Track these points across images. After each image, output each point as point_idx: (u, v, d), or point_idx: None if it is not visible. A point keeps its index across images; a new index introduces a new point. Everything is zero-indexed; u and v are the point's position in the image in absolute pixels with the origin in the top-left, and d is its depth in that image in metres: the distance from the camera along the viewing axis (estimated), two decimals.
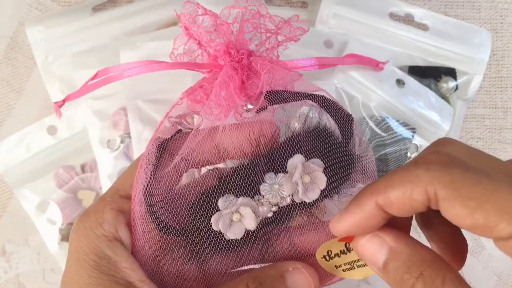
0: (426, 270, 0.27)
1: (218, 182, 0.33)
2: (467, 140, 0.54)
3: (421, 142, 0.50)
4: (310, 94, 0.34)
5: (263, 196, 0.32)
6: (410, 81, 0.49)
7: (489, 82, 0.54)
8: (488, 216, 0.25)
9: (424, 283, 0.27)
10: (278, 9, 0.54)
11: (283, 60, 0.35)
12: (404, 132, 0.49)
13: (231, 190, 0.32)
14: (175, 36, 0.39)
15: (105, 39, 0.51)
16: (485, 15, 0.54)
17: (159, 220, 0.32)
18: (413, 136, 0.49)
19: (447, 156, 0.28)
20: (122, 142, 0.49)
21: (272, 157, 0.33)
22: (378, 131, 0.48)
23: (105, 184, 0.48)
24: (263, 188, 0.32)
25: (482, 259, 0.55)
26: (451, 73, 0.52)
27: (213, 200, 0.32)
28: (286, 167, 0.32)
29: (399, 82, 0.48)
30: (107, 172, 0.49)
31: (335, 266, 0.34)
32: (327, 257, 0.33)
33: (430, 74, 0.52)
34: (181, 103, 0.33)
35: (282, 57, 0.35)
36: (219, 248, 0.32)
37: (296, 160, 0.32)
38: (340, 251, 0.33)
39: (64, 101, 0.36)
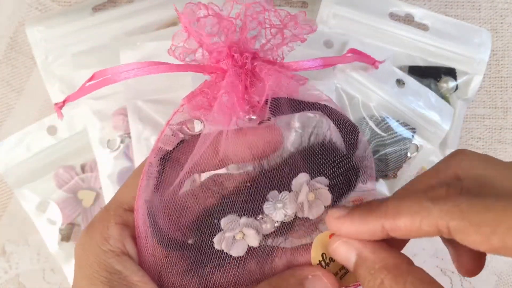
0: (387, 277, 0.28)
1: (221, 201, 0.32)
2: (467, 140, 0.54)
3: (421, 142, 0.49)
4: (316, 103, 0.33)
5: (266, 215, 0.32)
6: (410, 81, 0.49)
7: (489, 82, 0.54)
8: (504, 239, 0.26)
9: (390, 280, 0.28)
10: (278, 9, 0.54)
11: (288, 62, 0.34)
12: (404, 132, 0.49)
13: (233, 210, 0.31)
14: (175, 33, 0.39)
15: (105, 39, 0.51)
16: (485, 15, 0.54)
17: (162, 235, 0.32)
18: (413, 136, 0.49)
19: (454, 185, 0.29)
20: (122, 142, 0.49)
21: (275, 174, 0.32)
22: (378, 131, 0.48)
23: (105, 184, 0.48)
24: (267, 207, 0.31)
25: None
26: (451, 73, 0.52)
27: (215, 221, 0.31)
28: (289, 185, 0.32)
29: (399, 82, 0.48)
30: (107, 172, 0.49)
31: (333, 274, 0.33)
32: (323, 263, 0.33)
33: (430, 74, 0.52)
34: (182, 110, 0.32)
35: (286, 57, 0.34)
36: (221, 265, 0.32)
37: (302, 180, 0.31)
38: None
39: (64, 102, 0.36)
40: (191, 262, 0.32)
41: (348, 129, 0.33)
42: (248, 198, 0.31)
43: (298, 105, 0.32)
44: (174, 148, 0.32)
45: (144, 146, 0.47)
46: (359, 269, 0.30)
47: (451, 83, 0.52)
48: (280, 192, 0.32)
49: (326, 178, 0.32)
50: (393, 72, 0.48)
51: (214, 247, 0.31)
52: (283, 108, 0.32)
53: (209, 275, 0.32)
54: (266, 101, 0.31)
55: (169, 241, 0.32)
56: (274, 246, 0.33)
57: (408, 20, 0.52)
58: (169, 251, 0.32)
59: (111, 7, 0.53)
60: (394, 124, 0.49)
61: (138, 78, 0.47)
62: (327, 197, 0.32)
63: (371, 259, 0.29)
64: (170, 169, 0.32)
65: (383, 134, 0.48)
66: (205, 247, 0.32)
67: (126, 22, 0.52)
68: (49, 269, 0.53)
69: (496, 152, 0.54)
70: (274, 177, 0.32)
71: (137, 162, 0.47)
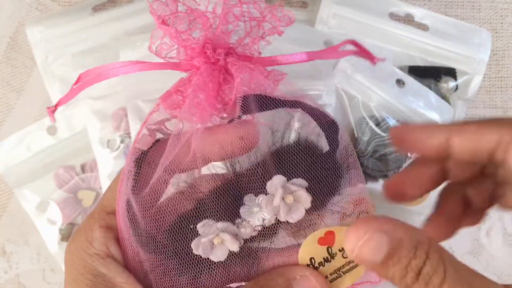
0: (430, 252, 0.27)
1: (196, 206, 0.31)
2: None
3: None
4: (292, 101, 0.31)
5: (244, 219, 0.30)
6: (410, 81, 0.49)
7: (489, 82, 0.54)
8: None
9: (430, 262, 0.27)
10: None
11: (271, 56, 0.32)
12: None
13: (210, 215, 0.30)
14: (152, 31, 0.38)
15: (105, 39, 0.51)
16: (485, 15, 0.54)
17: (142, 238, 0.31)
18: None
19: None
20: (122, 142, 0.49)
21: (250, 177, 0.30)
22: (378, 131, 0.48)
23: (105, 184, 0.48)
24: (243, 211, 0.30)
25: (482, 260, 0.55)
26: (451, 73, 0.52)
27: (191, 226, 0.30)
28: (265, 188, 0.30)
29: (399, 82, 0.48)
30: (107, 172, 0.49)
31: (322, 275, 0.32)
32: (311, 267, 0.31)
33: (430, 74, 0.52)
34: (158, 110, 0.31)
35: (271, 54, 0.33)
36: (204, 268, 0.31)
37: (276, 182, 0.30)
38: (324, 258, 0.31)
39: (56, 106, 0.35)
40: (173, 267, 0.31)
41: (327, 126, 0.32)
42: (224, 202, 0.30)
43: (269, 102, 0.31)
44: (149, 148, 0.32)
45: None
46: (396, 253, 0.27)
47: (451, 83, 0.52)
48: (257, 195, 0.30)
49: (303, 179, 0.30)
50: (393, 72, 0.48)
51: (193, 253, 0.31)
52: (251, 106, 0.30)
53: (195, 279, 0.32)
54: (235, 101, 0.30)
55: (149, 244, 0.31)
56: (259, 250, 0.32)
57: (408, 20, 0.52)
58: (151, 254, 0.32)
59: (111, 7, 0.53)
60: (394, 124, 0.49)
61: (138, 78, 0.47)
62: (307, 199, 0.30)
63: (408, 238, 0.27)
64: (146, 170, 0.32)
65: (383, 134, 0.48)
66: (185, 252, 0.31)
67: (126, 22, 0.52)
68: (49, 269, 0.53)
69: None
70: (249, 180, 0.30)
71: None
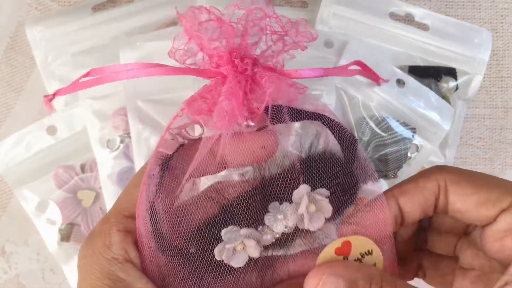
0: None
1: (222, 211, 0.32)
2: (467, 140, 0.54)
3: (421, 142, 0.49)
4: (315, 113, 0.33)
5: (267, 226, 0.31)
6: (411, 81, 0.49)
7: (489, 82, 0.54)
8: (493, 191, 0.31)
9: None
10: (278, 9, 0.54)
11: (288, 70, 0.34)
12: (404, 132, 0.49)
13: (234, 221, 0.31)
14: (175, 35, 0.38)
15: (105, 39, 0.51)
16: (486, 15, 0.54)
17: (164, 243, 0.32)
18: (413, 136, 0.49)
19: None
20: (122, 142, 0.49)
21: (276, 185, 0.32)
22: (378, 131, 0.48)
23: (105, 184, 0.48)
24: (267, 218, 0.31)
25: None
26: (451, 73, 0.52)
27: (215, 231, 0.31)
28: (290, 196, 0.31)
29: (399, 82, 0.48)
30: (107, 172, 0.49)
31: None
32: None
33: (430, 74, 0.52)
34: (181, 115, 0.32)
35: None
36: (222, 275, 0.32)
37: (302, 191, 0.31)
38: None
39: (54, 95, 0.35)
40: (192, 271, 0.32)
41: (347, 140, 0.33)
42: (249, 208, 0.31)
43: (298, 114, 0.32)
44: (174, 153, 0.32)
45: (144, 146, 0.47)
46: None
47: (451, 83, 0.52)
48: (281, 203, 0.32)
49: (326, 189, 0.32)
50: (393, 72, 0.48)
51: (214, 258, 0.31)
52: (283, 116, 0.32)
53: (210, 285, 0.32)
54: (265, 108, 0.31)
55: (170, 249, 0.32)
56: (274, 257, 0.33)
57: (408, 20, 0.52)
58: (171, 258, 0.32)
59: (111, 7, 0.53)
60: (394, 124, 0.49)
61: (138, 78, 0.47)
62: (328, 209, 0.32)
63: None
64: (170, 174, 0.32)
65: (383, 134, 0.48)
66: (206, 257, 0.31)
67: (126, 22, 0.52)
68: (49, 269, 0.53)
69: (496, 152, 0.54)
70: (275, 188, 0.32)
71: (137, 162, 0.47)
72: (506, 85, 0.54)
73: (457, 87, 0.52)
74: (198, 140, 0.32)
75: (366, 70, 0.41)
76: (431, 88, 0.50)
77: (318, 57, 0.49)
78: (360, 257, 0.32)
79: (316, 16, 0.51)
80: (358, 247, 0.32)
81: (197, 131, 0.32)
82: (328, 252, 0.32)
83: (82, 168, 0.51)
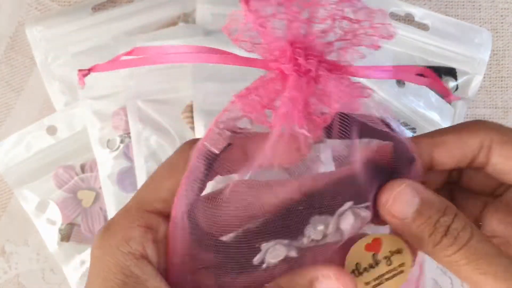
0: (458, 213, 0.29)
1: (263, 224, 0.31)
2: None
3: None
4: (388, 134, 0.30)
5: (307, 236, 0.31)
6: None
7: (489, 82, 0.54)
8: None
9: (459, 220, 0.29)
10: None
11: (355, 67, 0.29)
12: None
13: (276, 234, 0.31)
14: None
15: (105, 39, 0.51)
16: (486, 15, 0.54)
17: (203, 241, 0.31)
18: (413, 136, 0.49)
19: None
20: (122, 142, 0.49)
21: (320, 198, 0.31)
22: None
23: (105, 184, 0.48)
24: (308, 229, 0.31)
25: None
26: (451, 73, 0.52)
27: (256, 245, 0.30)
28: (333, 210, 0.31)
29: (399, 82, 0.48)
30: (107, 172, 0.49)
31: (365, 283, 0.33)
32: (357, 272, 0.33)
33: None
34: (231, 108, 0.29)
35: None
36: (253, 274, 0.31)
37: (347, 207, 0.31)
38: (369, 264, 0.33)
39: (90, 70, 0.33)
40: (230, 267, 0.31)
41: (406, 160, 0.32)
42: (292, 223, 0.31)
43: (368, 131, 0.30)
44: (221, 152, 0.30)
45: (143, 146, 0.47)
46: (425, 210, 0.29)
47: (452, 83, 0.52)
48: (321, 214, 0.31)
49: (369, 202, 0.31)
50: None
51: (251, 264, 0.31)
52: (351, 132, 0.29)
53: (241, 277, 0.31)
54: (328, 118, 0.28)
55: (210, 246, 0.31)
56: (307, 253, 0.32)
57: (408, 20, 0.52)
58: (213, 254, 0.31)
59: (111, 7, 0.53)
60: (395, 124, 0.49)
61: (138, 78, 0.47)
62: (368, 218, 0.31)
63: (438, 200, 0.30)
64: (214, 173, 0.31)
65: None
66: (243, 263, 0.31)
67: (126, 22, 0.52)
68: (49, 269, 0.53)
69: None
70: (318, 201, 0.31)
71: (137, 162, 0.47)
72: (506, 85, 0.54)
73: (457, 87, 0.52)
74: (247, 137, 0.30)
75: (436, 82, 0.36)
76: (431, 88, 0.50)
77: None
78: (389, 255, 0.33)
79: None
80: (388, 245, 0.33)
81: (250, 126, 0.30)
82: (358, 247, 0.33)
83: (82, 168, 0.51)
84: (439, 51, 0.51)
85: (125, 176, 0.48)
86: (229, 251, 0.31)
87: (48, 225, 0.50)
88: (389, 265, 0.33)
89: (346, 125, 0.29)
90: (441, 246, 0.29)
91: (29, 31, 0.51)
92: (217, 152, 0.30)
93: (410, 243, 0.32)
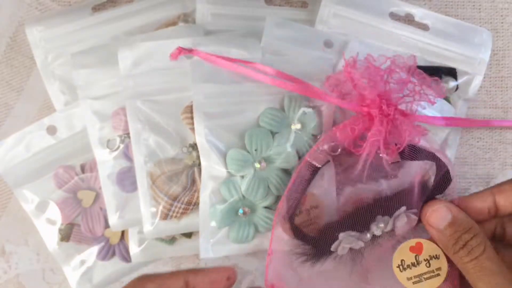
0: (478, 234, 0.39)
1: (342, 219, 0.43)
2: (467, 140, 0.54)
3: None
4: (434, 155, 0.42)
5: (371, 232, 0.42)
6: None
7: (489, 82, 0.54)
8: None
9: (476, 239, 0.39)
10: (278, 9, 0.54)
11: (422, 115, 0.45)
12: None
13: (351, 226, 0.42)
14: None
15: (105, 39, 0.51)
16: (486, 15, 0.54)
17: (299, 235, 0.43)
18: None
19: None
20: (121, 142, 0.49)
21: (386, 202, 0.42)
22: None
23: (105, 184, 0.48)
24: (373, 226, 0.42)
25: None
26: (451, 73, 0.52)
27: (336, 234, 0.42)
28: (392, 212, 0.42)
29: None
30: (107, 172, 0.48)
31: (407, 278, 0.41)
32: (401, 267, 0.41)
33: (431, 74, 0.51)
34: (331, 135, 0.43)
35: None
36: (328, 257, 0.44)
37: (402, 210, 0.42)
38: (411, 263, 0.41)
39: (191, 51, 0.44)
40: (315, 253, 0.43)
41: (448, 181, 0.43)
42: (364, 219, 0.42)
43: (422, 154, 0.42)
44: (322, 166, 0.43)
45: (143, 146, 0.47)
46: (454, 226, 0.40)
47: (452, 83, 0.52)
48: (383, 215, 0.42)
49: (417, 210, 0.42)
50: None
51: (330, 250, 0.43)
52: (416, 155, 0.42)
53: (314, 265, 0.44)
54: (400, 147, 0.41)
55: (305, 237, 0.43)
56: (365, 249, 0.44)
57: (408, 20, 0.52)
58: (308, 246, 0.43)
59: (111, 7, 0.53)
60: None
61: (138, 78, 0.47)
62: (415, 221, 0.42)
63: (466, 221, 0.40)
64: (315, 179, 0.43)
65: None
66: (324, 249, 0.43)
67: (126, 22, 0.52)
68: (49, 269, 0.53)
69: (496, 152, 0.54)
70: (385, 205, 0.42)
71: (137, 162, 0.47)
72: (506, 85, 0.54)
73: (457, 87, 0.52)
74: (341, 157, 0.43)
75: (503, 122, 0.54)
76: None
77: (318, 57, 0.49)
78: (429, 258, 0.41)
79: (316, 16, 0.51)
80: (428, 249, 0.41)
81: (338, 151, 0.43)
82: (404, 247, 0.42)
83: (82, 168, 0.51)
84: (439, 51, 0.51)
85: (125, 176, 0.48)
86: (320, 237, 0.43)
87: (48, 225, 0.50)
88: (428, 267, 0.41)
89: (413, 152, 0.42)
90: (458, 255, 0.39)
91: (29, 31, 0.51)
92: (319, 166, 0.43)
93: (442, 249, 0.41)
